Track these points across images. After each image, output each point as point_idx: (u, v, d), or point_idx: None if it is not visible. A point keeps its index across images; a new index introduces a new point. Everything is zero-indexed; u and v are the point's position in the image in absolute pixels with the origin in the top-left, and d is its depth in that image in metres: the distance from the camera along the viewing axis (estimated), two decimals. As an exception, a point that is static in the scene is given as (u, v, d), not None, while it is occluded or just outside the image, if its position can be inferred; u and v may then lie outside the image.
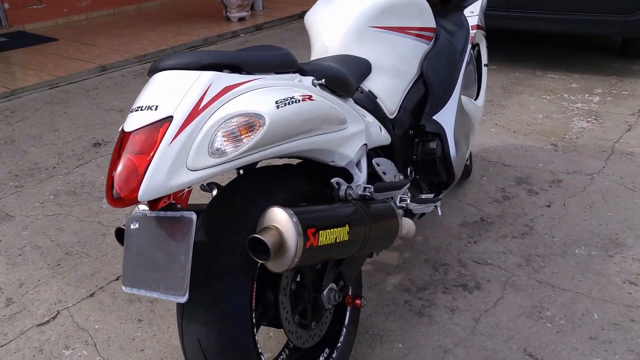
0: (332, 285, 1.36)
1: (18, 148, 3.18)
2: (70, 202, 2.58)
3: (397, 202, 1.66)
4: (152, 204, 1.03)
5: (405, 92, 1.79)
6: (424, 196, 1.79)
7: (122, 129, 1.01)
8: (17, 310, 1.88)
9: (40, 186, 2.74)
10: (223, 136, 1.01)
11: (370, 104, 1.59)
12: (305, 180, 1.35)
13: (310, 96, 1.18)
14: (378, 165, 1.59)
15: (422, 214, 1.86)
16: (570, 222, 2.25)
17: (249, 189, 1.24)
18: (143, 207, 1.09)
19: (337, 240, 1.15)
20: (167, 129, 0.96)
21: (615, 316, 1.74)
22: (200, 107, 1.00)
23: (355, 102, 1.53)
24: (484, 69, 2.31)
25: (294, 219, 1.04)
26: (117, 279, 2.03)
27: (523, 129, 3.16)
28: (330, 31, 1.68)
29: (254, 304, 1.17)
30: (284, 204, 1.18)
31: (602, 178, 2.59)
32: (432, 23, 1.87)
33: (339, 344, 1.51)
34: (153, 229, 1.04)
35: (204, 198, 2.52)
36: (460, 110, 1.91)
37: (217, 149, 1.01)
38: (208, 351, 1.11)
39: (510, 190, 2.51)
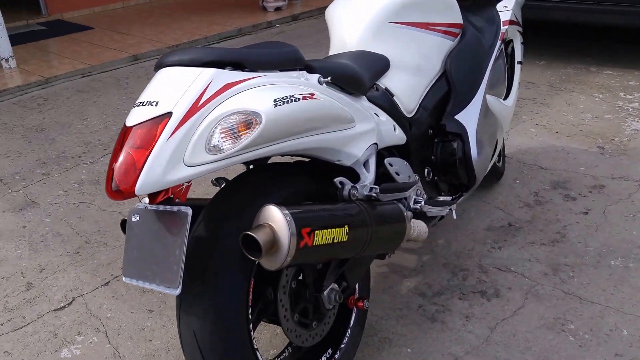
0: (334, 285, 1.40)
1: (47, 136, 3.37)
2: (93, 191, 2.73)
3: (411, 203, 1.69)
4: (151, 197, 1.10)
5: (426, 90, 1.81)
6: (441, 199, 1.81)
7: (125, 124, 1.10)
8: (36, 295, 2.03)
9: (65, 174, 2.91)
10: (220, 133, 1.07)
11: (385, 102, 1.63)
12: (312, 178, 1.39)
13: (312, 95, 1.22)
14: (391, 165, 1.61)
15: (441, 217, 1.88)
16: (609, 231, 2.21)
17: (254, 184, 1.30)
18: (145, 200, 1.17)
19: (335, 241, 1.19)
20: (166, 125, 1.03)
21: (644, 333, 1.72)
22: (199, 104, 1.07)
23: (369, 100, 1.57)
24: (517, 67, 2.29)
25: (288, 218, 1.09)
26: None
27: (567, 130, 3.11)
28: (348, 27, 1.72)
29: (250, 300, 1.24)
30: (286, 202, 1.24)
31: (649, 185, 2.53)
32: (458, 19, 1.88)
33: (343, 345, 1.56)
34: (152, 222, 1.11)
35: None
36: (485, 109, 1.91)
37: (214, 146, 1.07)
38: (203, 344, 1.18)
39: (544, 195, 2.49)
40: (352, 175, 1.45)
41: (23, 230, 2.44)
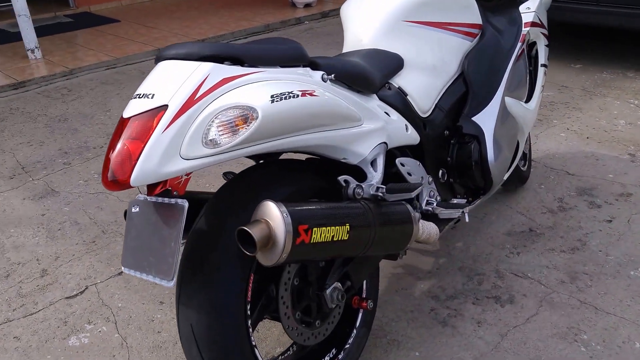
0: (337, 284, 1.42)
1: (70, 126, 3.50)
2: (111, 182, 2.82)
3: (423, 204, 1.71)
4: (150, 189, 1.14)
5: (443, 91, 1.83)
6: (455, 201, 1.82)
7: (122, 115, 1.14)
8: (50, 282, 2.12)
9: (86, 164, 3.01)
10: (217, 127, 1.11)
11: (398, 101, 1.64)
12: (320, 176, 1.42)
13: (312, 91, 1.24)
14: (402, 165, 1.63)
15: (457, 220, 1.89)
16: (632, 240, 2.20)
17: (259, 180, 1.33)
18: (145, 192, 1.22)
19: (335, 240, 1.21)
20: (161, 117, 1.07)
21: (662, 347, 1.71)
22: (195, 98, 1.10)
23: (381, 99, 1.59)
24: (541, 70, 2.29)
25: (285, 214, 1.11)
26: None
27: (598, 136, 3.08)
28: (362, 24, 1.75)
29: (249, 296, 1.26)
30: (290, 199, 1.27)
31: (680, 195, 2.49)
32: (476, 19, 1.89)
33: (347, 346, 1.58)
34: (150, 213, 1.16)
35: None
36: (504, 112, 1.92)
37: (211, 140, 1.10)
38: (199, 337, 1.22)
39: (568, 201, 2.48)
40: (360, 174, 1.46)
41: (42, 217, 2.55)
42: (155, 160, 1.05)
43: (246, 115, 1.12)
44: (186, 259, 1.25)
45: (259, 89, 1.16)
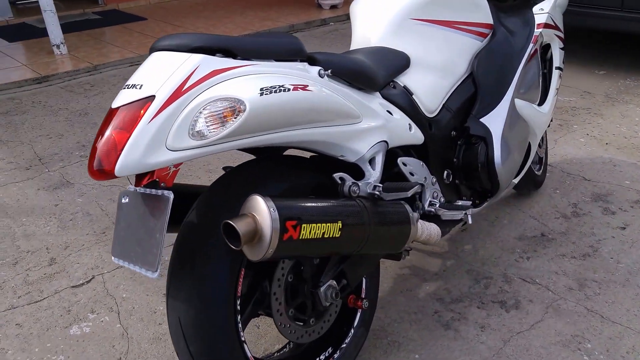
0: (332, 282, 1.39)
1: (90, 120, 3.54)
2: (125, 175, 2.84)
3: (426, 205, 1.67)
4: (137, 180, 1.12)
5: (451, 91, 1.78)
6: (460, 203, 1.77)
7: (111, 105, 1.13)
8: (57, 271, 2.13)
9: (102, 158, 3.04)
10: (205, 119, 1.08)
11: (402, 100, 1.60)
12: (317, 173, 1.39)
13: (306, 86, 1.21)
14: (404, 165, 1.59)
15: (464, 222, 1.84)
16: (647, 249, 2.12)
17: (254, 175, 1.30)
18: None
19: (325, 236, 1.18)
20: (148, 108, 1.05)
21: (671, 359, 1.64)
22: (184, 89, 1.08)
23: (384, 97, 1.55)
24: (555, 73, 2.22)
25: (272, 209, 1.09)
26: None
27: (617, 142, 2.99)
28: (370, 22, 1.72)
29: (239, 291, 1.24)
30: (284, 194, 1.25)
31: (700, 204, 2.40)
32: (487, 19, 1.84)
33: (344, 345, 1.55)
34: (138, 204, 1.14)
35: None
36: (513, 114, 1.87)
37: (197, 132, 1.08)
38: (187, 330, 1.20)
39: (582, 207, 2.40)
40: (358, 172, 1.43)
41: (55, 208, 2.57)
42: (139, 151, 1.04)
43: (234, 107, 1.10)
44: (176, 252, 1.23)
45: (248, 82, 1.14)
